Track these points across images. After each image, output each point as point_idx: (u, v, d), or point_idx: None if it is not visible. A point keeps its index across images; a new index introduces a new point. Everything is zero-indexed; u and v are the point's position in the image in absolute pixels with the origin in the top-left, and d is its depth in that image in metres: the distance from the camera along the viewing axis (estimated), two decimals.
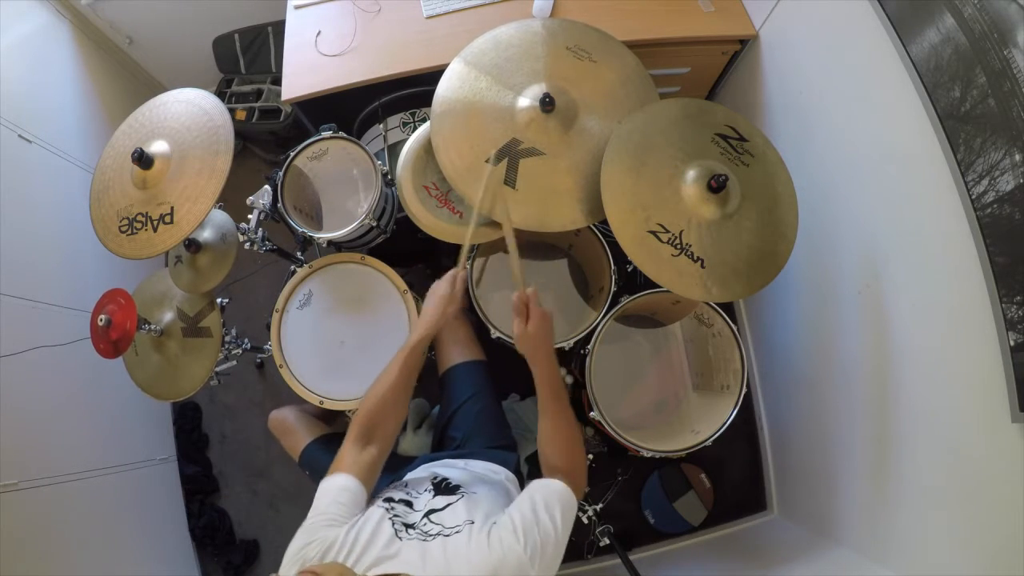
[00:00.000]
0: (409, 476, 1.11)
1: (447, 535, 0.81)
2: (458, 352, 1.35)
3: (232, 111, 2.12)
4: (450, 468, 1.10)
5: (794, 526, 1.79)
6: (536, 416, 1.78)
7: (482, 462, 1.17)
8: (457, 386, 1.32)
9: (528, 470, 1.81)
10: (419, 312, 1.32)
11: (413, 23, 1.61)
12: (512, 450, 1.26)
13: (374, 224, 1.33)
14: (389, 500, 0.90)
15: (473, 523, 0.83)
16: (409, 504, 0.90)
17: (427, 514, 0.87)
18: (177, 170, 1.18)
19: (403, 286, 1.33)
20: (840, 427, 1.51)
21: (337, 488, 0.87)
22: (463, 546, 0.78)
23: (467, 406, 1.28)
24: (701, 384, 1.53)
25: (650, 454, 1.32)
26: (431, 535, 0.81)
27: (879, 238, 1.26)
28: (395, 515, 0.85)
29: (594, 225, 1.27)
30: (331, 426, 1.44)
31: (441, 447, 1.30)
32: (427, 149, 1.32)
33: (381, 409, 0.98)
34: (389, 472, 1.26)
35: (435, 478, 1.00)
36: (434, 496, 0.92)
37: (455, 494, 0.93)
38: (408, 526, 0.83)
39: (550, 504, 0.83)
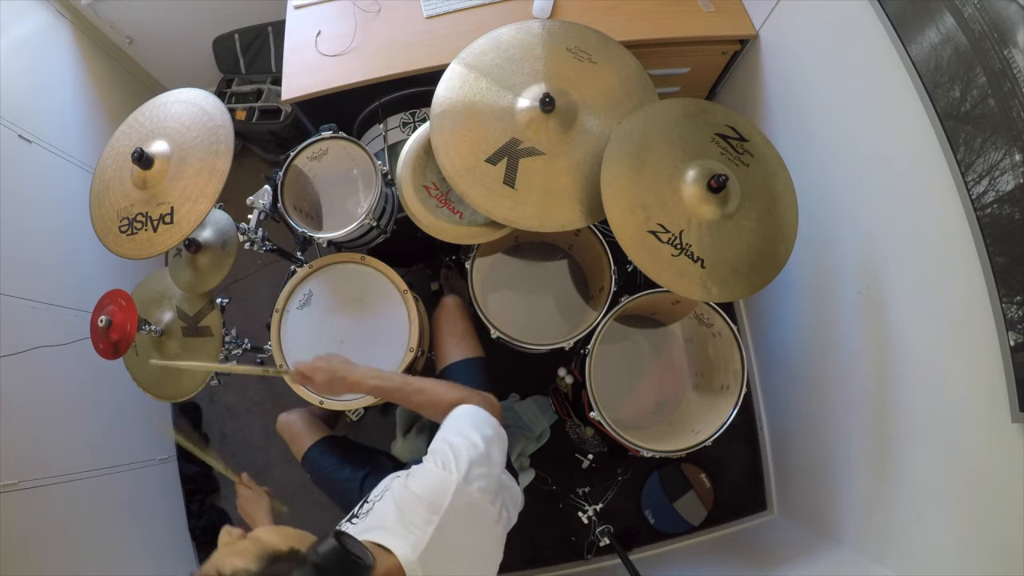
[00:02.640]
0: None
1: (379, 499, 0.83)
2: (455, 347, 1.34)
3: (232, 111, 2.12)
4: None
5: (794, 526, 1.79)
6: (536, 416, 1.79)
7: None
8: None
9: (528, 464, 1.81)
10: (419, 313, 1.33)
11: (413, 23, 1.61)
12: None
13: (374, 224, 1.33)
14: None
15: (398, 476, 0.86)
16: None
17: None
18: (177, 170, 1.18)
19: (403, 286, 1.33)
20: (840, 427, 1.51)
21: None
22: (390, 498, 0.79)
23: None
24: (701, 384, 1.53)
25: (650, 454, 1.32)
26: (363, 512, 0.83)
27: (879, 238, 1.26)
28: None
29: (594, 225, 1.27)
30: (332, 429, 1.44)
31: None
32: (427, 149, 1.32)
33: None
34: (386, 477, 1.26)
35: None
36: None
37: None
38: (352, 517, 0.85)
39: (454, 428, 0.87)
